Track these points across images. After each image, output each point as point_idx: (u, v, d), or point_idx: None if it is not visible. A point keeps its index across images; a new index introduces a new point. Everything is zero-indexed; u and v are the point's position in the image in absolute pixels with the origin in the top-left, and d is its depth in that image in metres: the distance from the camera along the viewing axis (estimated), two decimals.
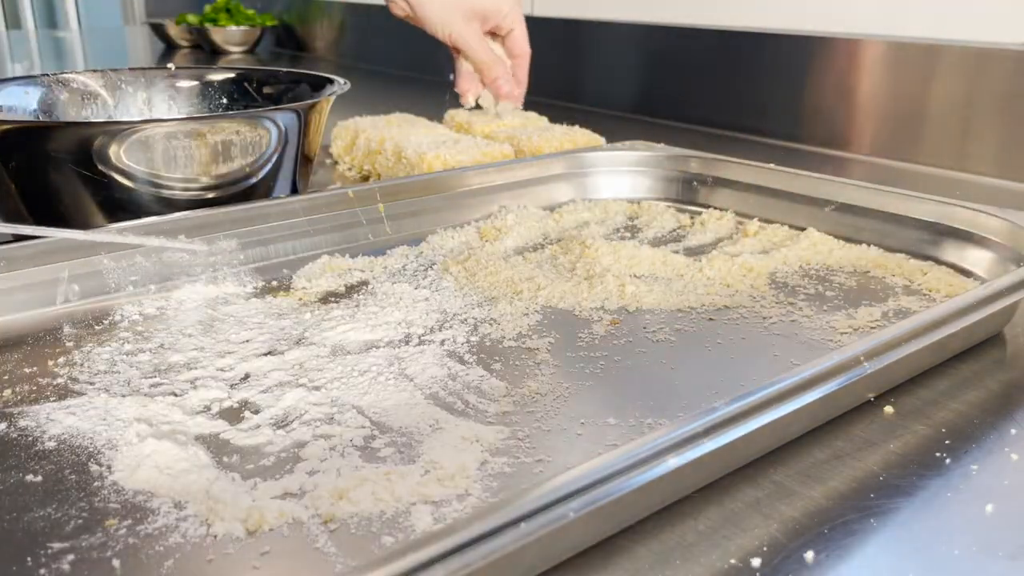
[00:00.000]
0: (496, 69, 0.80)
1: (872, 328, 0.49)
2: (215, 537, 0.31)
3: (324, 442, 0.37)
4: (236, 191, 0.61)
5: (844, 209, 0.63)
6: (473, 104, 0.85)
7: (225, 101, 0.77)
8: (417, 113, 0.93)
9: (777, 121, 1.02)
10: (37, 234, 0.48)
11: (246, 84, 0.77)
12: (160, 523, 0.32)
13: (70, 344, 0.46)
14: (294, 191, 0.66)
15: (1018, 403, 0.42)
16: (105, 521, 0.32)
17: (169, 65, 1.06)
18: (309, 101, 0.63)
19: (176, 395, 0.41)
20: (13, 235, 0.47)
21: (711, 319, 0.51)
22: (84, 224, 0.55)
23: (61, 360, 0.45)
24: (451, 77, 0.85)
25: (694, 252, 0.62)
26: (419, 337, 0.48)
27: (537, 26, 1.34)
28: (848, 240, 0.62)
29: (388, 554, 0.24)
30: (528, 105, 1.01)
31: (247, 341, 0.47)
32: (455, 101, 0.87)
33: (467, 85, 0.82)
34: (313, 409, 0.40)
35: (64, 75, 0.71)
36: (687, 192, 0.73)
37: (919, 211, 0.60)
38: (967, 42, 0.85)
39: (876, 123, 0.93)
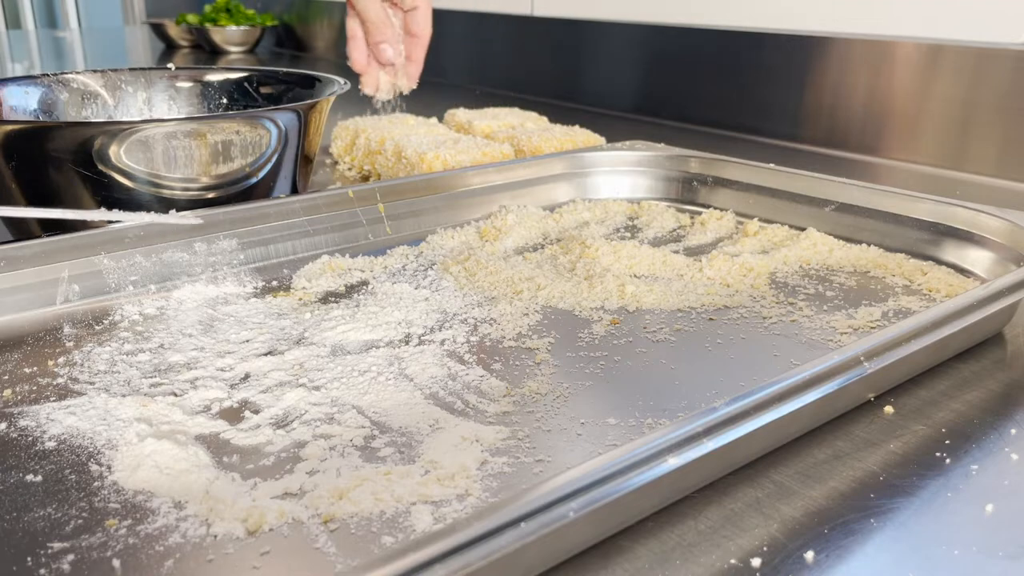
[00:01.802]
0: (384, 32, 0.75)
1: (872, 328, 0.49)
2: (215, 537, 0.31)
3: (324, 442, 0.37)
4: (236, 191, 0.61)
5: (844, 209, 0.63)
6: (373, 90, 0.79)
7: (225, 101, 0.77)
8: (417, 113, 0.93)
9: (777, 121, 1.02)
10: (30, 215, 0.47)
11: (246, 84, 0.77)
12: (160, 523, 0.32)
13: (70, 344, 0.46)
14: (294, 191, 0.66)
15: (1018, 403, 0.42)
16: (105, 521, 0.32)
17: (169, 65, 1.06)
18: (309, 101, 0.63)
19: (176, 395, 0.41)
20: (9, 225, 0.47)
21: (711, 319, 0.51)
22: (84, 224, 0.55)
23: (61, 360, 0.45)
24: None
25: (694, 252, 0.62)
26: (419, 337, 0.48)
27: (537, 26, 1.35)
28: (848, 240, 0.62)
29: (388, 554, 0.24)
30: (528, 105, 1.01)
31: (247, 341, 0.47)
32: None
33: (357, 54, 0.77)
34: (313, 409, 0.40)
35: (64, 75, 0.71)
36: (687, 192, 0.73)
37: (919, 211, 0.60)
38: (967, 42, 0.85)
39: (876, 123, 0.93)
